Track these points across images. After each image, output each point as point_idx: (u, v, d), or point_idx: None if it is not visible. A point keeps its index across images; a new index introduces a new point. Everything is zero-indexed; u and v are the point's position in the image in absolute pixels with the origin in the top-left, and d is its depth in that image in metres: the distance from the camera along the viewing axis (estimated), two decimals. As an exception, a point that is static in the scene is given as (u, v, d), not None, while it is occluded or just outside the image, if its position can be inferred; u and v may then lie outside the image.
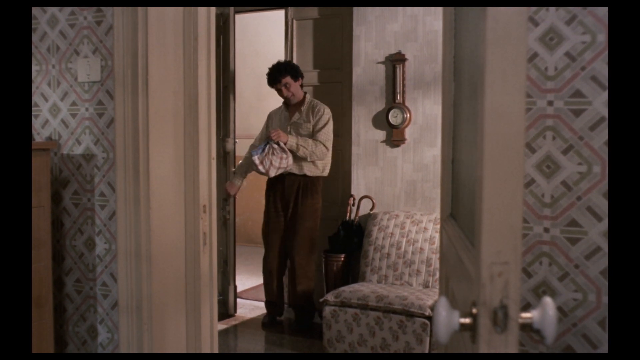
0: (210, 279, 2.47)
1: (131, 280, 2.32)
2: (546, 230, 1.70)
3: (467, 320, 1.12)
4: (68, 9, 2.38)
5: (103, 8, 2.31)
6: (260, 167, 4.22)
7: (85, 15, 2.35)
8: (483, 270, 1.08)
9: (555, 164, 1.68)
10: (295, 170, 4.33)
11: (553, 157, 1.68)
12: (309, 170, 4.35)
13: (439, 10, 4.21)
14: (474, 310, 1.11)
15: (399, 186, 4.43)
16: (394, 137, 4.38)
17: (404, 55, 4.32)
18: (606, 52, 1.62)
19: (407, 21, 4.33)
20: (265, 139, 4.26)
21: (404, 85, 4.34)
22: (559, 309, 1.70)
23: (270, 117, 4.62)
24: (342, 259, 4.39)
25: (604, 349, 1.66)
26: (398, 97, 4.35)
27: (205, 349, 2.51)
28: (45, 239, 2.19)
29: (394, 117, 4.34)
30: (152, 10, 2.23)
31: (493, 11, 1.07)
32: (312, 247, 4.39)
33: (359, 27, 4.46)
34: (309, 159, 4.30)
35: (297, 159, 4.32)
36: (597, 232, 1.65)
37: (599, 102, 1.63)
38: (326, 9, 4.77)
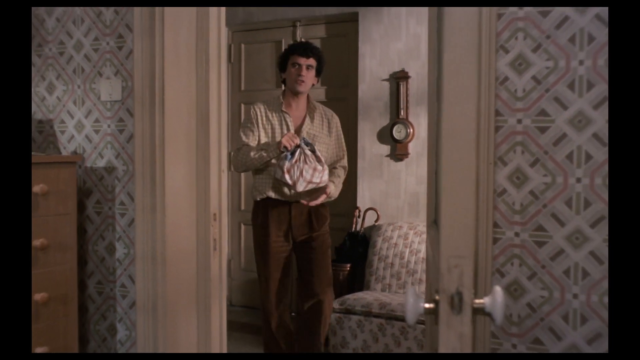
0: (219, 283, 2.72)
1: (148, 282, 2.58)
2: (517, 234, 1.94)
3: (430, 305, 1.36)
4: (92, 35, 2.66)
5: (124, 34, 2.59)
6: (286, 177, 3.31)
7: (108, 40, 2.63)
8: (442, 262, 1.32)
9: (524, 176, 1.92)
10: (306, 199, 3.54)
11: (522, 169, 1.92)
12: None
13: (440, 30, 4.46)
14: (436, 297, 1.35)
15: (402, 198, 4.67)
16: (398, 151, 4.63)
17: (407, 72, 4.58)
18: (567, 75, 1.86)
19: (410, 40, 4.59)
20: (302, 142, 3.39)
21: (407, 102, 4.59)
22: (529, 305, 1.93)
23: (258, 110, 3.57)
24: (348, 268, 4.63)
25: (567, 341, 1.89)
26: (402, 113, 4.60)
27: (215, 348, 2.76)
28: (71, 243, 2.46)
29: (398, 132, 4.60)
30: (168, 37, 2.51)
31: (448, 49, 1.32)
32: (330, 284, 3.76)
33: (364, 46, 4.73)
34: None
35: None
36: (560, 236, 1.89)
37: (561, 120, 1.87)
38: (333, 28, 5.05)
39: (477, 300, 1.33)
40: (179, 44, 2.56)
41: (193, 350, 2.66)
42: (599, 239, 1.85)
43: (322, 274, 3.65)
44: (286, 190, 3.50)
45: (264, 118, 3.54)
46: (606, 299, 1.85)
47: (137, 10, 2.50)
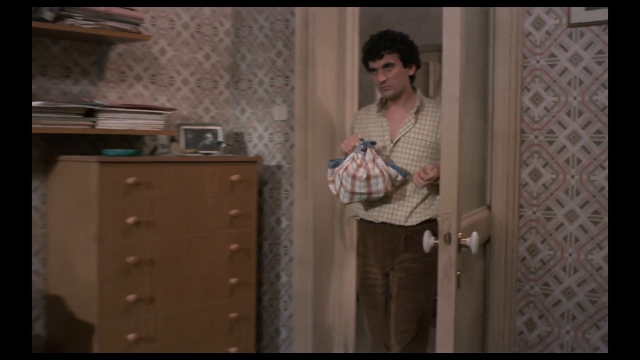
0: (351, 249, 3.95)
1: (302, 244, 3.88)
2: (534, 213, 2.96)
3: (436, 241, 2.48)
4: (269, 76, 4.04)
5: (289, 76, 3.94)
6: (331, 187, 3.08)
7: (279, 80, 4.00)
8: (440, 217, 2.44)
9: (539, 173, 2.95)
10: (398, 219, 3.03)
11: (537, 170, 2.95)
12: (417, 215, 3.02)
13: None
14: (439, 237, 2.48)
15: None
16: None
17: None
18: (566, 107, 2.86)
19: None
20: (361, 144, 2.94)
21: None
22: (541, 260, 2.95)
23: (355, 123, 3.27)
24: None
25: (565, 284, 2.88)
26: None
27: (347, 298, 3.98)
28: (253, 215, 3.85)
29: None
30: (317, 77, 3.80)
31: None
32: (423, 333, 3.06)
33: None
34: None
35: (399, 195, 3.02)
36: (561, 214, 2.89)
37: (562, 137, 2.88)
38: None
39: (462, 239, 2.43)
40: (325, 81, 3.84)
41: (330, 292, 3.92)
42: (584, 216, 2.83)
43: (401, 318, 3.03)
44: (370, 206, 3.08)
45: (362, 128, 3.18)
46: (590, 257, 2.82)
47: (297, 59, 3.83)
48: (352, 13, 3.86)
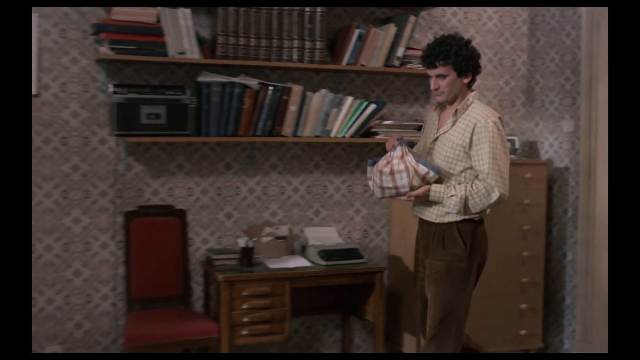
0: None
1: (585, 229, 4.76)
2: None
3: None
4: (559, 96, 5.04)
5: (576, 97, 4.90)
6: (370, 182, 3.28)
7: (567, 100, 4.98)
8: None
9: None
10: (426, 215, 3.28)
11: None
12: (449, 215, 3.20)
13: None
14: None
15: None
16: None
17: None
18: None
19: None
20: (397, 143, 3.18)
21: None
22: None
23: (425, 120, 3.57)
24: None
25: None
26: None
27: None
28: (543, 204, 4.86)
29: None
30: (599, 99, 4.68)
31: None
32: (444, 329, 3.17)
33: None
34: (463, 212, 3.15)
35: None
36: None
37: None
38: None
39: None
40: (599, 102, 4.70)
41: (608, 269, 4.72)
42: None
43: (431, 313, 3.22)
44: (417, 203, 3.27)
45: (426, 127, 3.47)
46: None
47: (583, 84, 4.77)
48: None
